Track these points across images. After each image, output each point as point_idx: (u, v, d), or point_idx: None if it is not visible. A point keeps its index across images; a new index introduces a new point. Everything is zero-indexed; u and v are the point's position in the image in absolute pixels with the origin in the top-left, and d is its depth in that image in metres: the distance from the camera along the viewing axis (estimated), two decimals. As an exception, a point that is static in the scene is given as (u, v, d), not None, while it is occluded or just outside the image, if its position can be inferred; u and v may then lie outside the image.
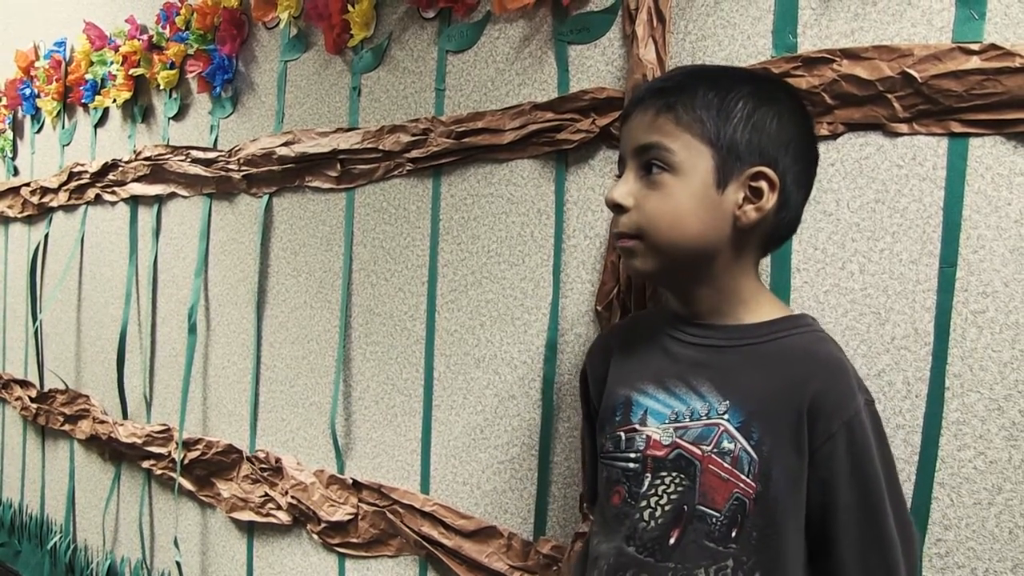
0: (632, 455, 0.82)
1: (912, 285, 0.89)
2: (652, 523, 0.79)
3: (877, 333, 0.91)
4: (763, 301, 0.84)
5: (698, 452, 0.78)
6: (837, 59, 0.91)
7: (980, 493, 0.85)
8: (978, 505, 0.85)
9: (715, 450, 0.77)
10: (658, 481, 0.79)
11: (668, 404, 0.81)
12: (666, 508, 0.78)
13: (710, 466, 0.77)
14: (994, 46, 0.82)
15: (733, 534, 0.76)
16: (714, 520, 0.76)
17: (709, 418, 0.78)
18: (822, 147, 0.94)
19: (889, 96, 0.88)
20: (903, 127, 0.88)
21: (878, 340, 0.91)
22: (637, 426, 0.82)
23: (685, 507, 0.77)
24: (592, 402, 0.96)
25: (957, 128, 0.85)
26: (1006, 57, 0.82)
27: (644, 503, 0.80)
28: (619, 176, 0.84)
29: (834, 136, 0.93)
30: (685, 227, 0.79)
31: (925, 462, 0.87)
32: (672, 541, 0.77)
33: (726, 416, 0.77)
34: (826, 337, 0.82)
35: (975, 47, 0.83)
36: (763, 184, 0.78)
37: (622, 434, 0.84)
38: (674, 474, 0.78)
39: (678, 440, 0.79)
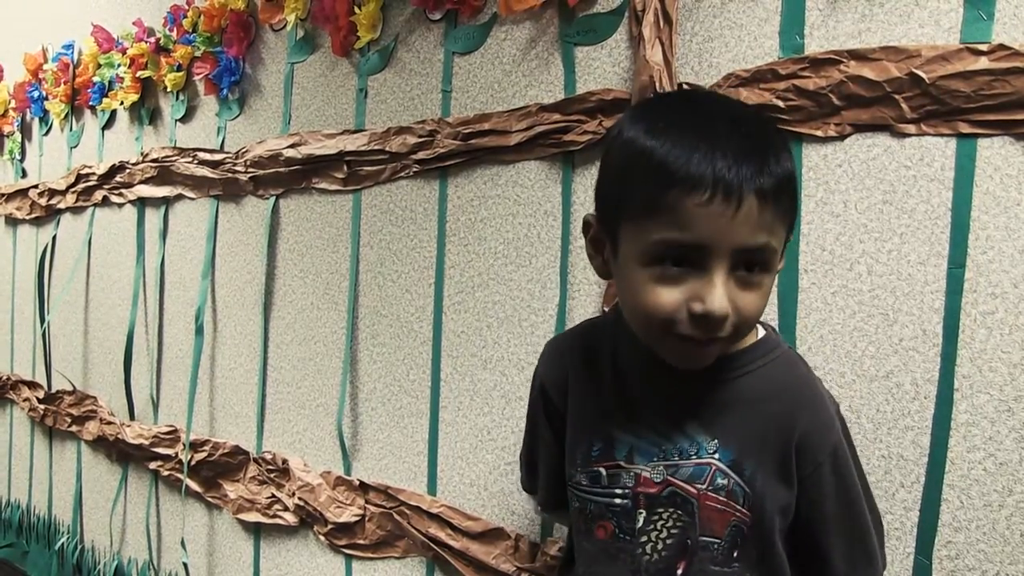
0: (618, 491, 0.81)
1: (920, 286, 0.88)
2: (655, 556, 0.80)
3: (885, 334, 0.90)
4: None
5: (693, 491, 0.78)
6: (844, 60, 0.91)
7: (990, 495, 0.84)
8: (988, 507, 0.85)
9: (710, 488, 0.78)
10: (655, 516, 0.80)
11: (655, 442, 0.80)
12: (668, 542, 0.79)
13: (707, 502, 0.78)
14: (1002, 46, 0.82)
15: (735, 555, 0.78)
16: (716, 547, 0.78)
17: (700, 457, 0.78)
18: (829, 148, 0.94)
19: (897, 97, 0.88)
20: (911, 128, 0.88)
21: (886, 341, 0.90)
22: (623, 463, 0.81)
23: (688, 540, 0.78)
24: (556, 408, 0.92)
25: (965, 129, 0.85)
26: (1014, 57, 0.81)
27: (644, 538, 0.80)
28: (675, 268, 0.70)
29: (841, 137, 0.93)
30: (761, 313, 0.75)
31: (934, 464, 0.87)
32: (680, 572, 0.79)
33: (716, 456, 0.78)
34: (795, 358, 0.83)
35: (983, 48, 0.83)
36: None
37: (602, 470, 0.83)
38: (671, 510, 0.79)
39: (670, 478, 0.79)
